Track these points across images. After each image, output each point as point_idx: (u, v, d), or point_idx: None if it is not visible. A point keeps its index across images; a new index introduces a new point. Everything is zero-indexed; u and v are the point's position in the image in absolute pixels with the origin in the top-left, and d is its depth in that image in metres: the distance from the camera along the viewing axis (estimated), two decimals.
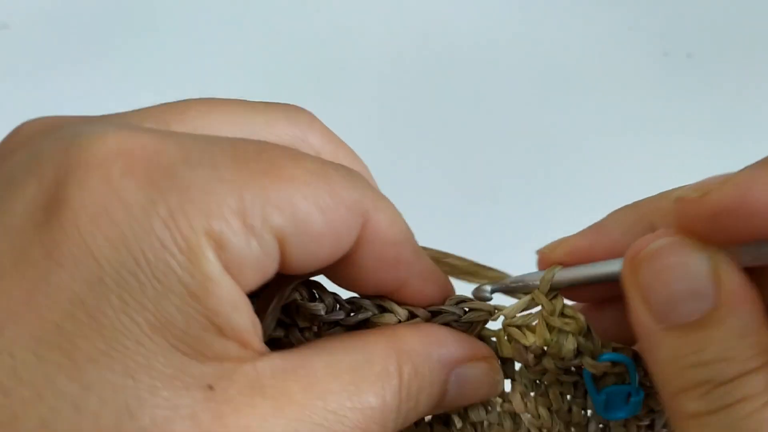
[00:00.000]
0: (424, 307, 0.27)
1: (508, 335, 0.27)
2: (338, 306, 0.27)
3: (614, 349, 0.26)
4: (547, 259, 0.27)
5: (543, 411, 0.28)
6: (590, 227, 0.27)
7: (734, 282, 0.22)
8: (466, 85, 0.76)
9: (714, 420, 0.22)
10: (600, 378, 0.27)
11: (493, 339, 0.28)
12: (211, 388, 0.21)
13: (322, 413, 0.23)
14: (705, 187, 0.22)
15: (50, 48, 0.75)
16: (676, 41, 0.79)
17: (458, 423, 0.28)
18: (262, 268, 0.23)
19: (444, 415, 0.29)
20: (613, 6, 0.81)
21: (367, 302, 0.27)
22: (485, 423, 0.28)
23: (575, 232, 0.27)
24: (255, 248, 0.22)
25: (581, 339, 0.26)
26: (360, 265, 0.26)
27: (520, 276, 0.28)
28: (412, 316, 0.27)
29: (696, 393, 0.22)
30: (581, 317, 0.26)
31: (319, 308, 0.27)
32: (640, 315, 0.23)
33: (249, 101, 0.28)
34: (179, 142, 0.23)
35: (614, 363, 0.26)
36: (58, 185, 0.21)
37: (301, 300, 0.27)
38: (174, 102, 0.27)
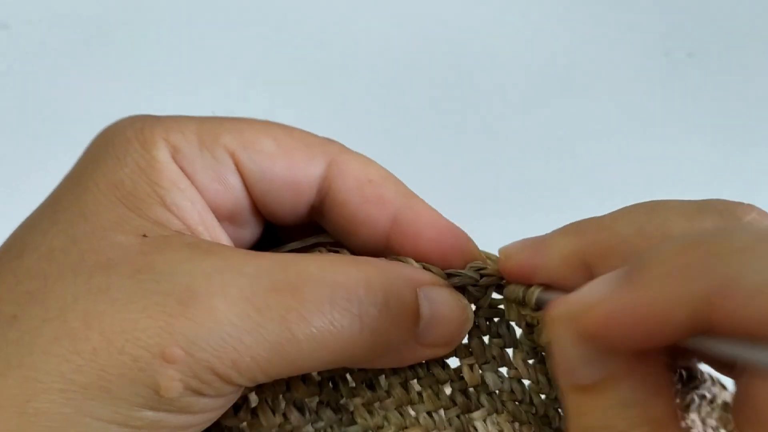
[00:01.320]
0: (443, 269, 0.28)
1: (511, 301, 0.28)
2: None
3: None
4: (501, 266, 0.28)
5: (542, 378, 0.28)
6: (536, 244, 0.27)
7: (622, 355, 0.23)
8: (466, 85, 0.75)
9: None
10: None
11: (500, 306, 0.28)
12: (145, 236, 0.25)
13: (252, 269, 0.24)
14: (583, 303, 0.22)
15: (50, 48, 0.75)
16: (677, 41, 0.79)
17: (476, 394, 0.29)
18: (217, 176, 0.27)
19: (464, 389, 0.29)
20: (614, 6, 0.81)
21: (374, 258, 0.28)
22: (498, 391, 0.29)
23: (527, 241, 0.27)
24: (207, 156, 0.27)
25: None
26: (341, 205, 0.28)
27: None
28: (427, 270, 0.28)
29: None
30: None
31: None
32: (554, 361, 0.24)
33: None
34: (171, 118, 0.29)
35: None
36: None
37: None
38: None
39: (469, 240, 0.29)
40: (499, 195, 0.67)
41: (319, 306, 0.24)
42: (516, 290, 0.27)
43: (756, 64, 0.77)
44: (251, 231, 0.29)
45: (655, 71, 0.77)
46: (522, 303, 0.27)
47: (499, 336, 0.29)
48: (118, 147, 0.27)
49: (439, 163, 0.69)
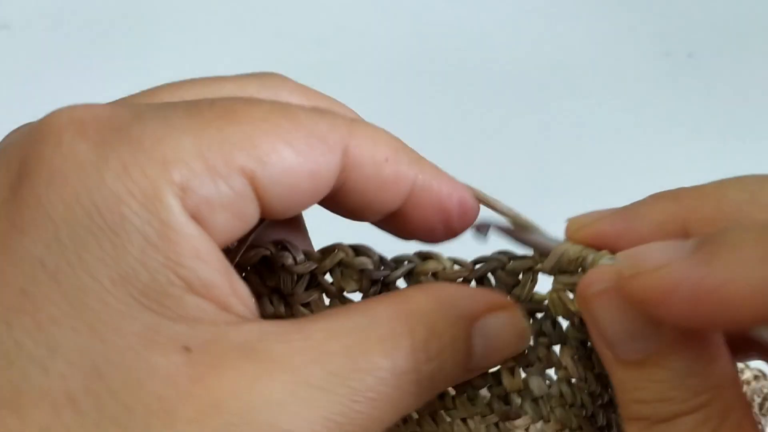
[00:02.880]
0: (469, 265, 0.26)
1: (558, 297, 0.25)
2: (383, 266, 0.26)
3: None
4: (571, 235, 0.26)
5: (589, 375, 0.26)
6: (622, 211, 0.25)
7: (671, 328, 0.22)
8: (466, 85, 0.75)
9: None
10: None
11: (544, 302, 0.26)
12: (187, 349, 0.20)
13: (321, 375, 0.21)
14: (639, 264, 0.21)
15: (50, 48, 0.75)
16: (678, 41, 0.79)
17: (518, 400, 0.26)
18: (238, 211, 0.22)
19: (504, 394, 0.27)
20: (615, 6, 0.81)
21: (409, 255, 0.26)
22: (545, 396, 0.26)
23: (606, 211, 0.26)
24: (224, 189, 0.21)
25: None
26: (360, 192, 0.25)
27: (544, 238, 0.26)
28: (456, 263, 0.26)
29: (639, 425, 0.22)
30: None
31: (367, 262, 0.26)
32: (596, 340, 0.23)
33: (223, 75, 0.27)
34: (133, 107, 0.23)
35: None
36: (21, 164, 0.21)
37: (347, 258, 0.26)
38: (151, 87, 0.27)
39: (473, 193, 0.28)
40: (499, 195, 0.67)
41: (383, 394, 0.22)
42: (582, 253, 0.24)
43: (756, 65, 0.77)
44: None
45: (655, 71, 0.76)
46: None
47: (544, 334, 0.26)
48: (106, 214, 0.20)
49: (438, 162, 0.69)
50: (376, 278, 0.26)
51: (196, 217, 0.21)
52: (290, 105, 0.24)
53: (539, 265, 0.26)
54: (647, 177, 0.69)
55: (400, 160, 0.26)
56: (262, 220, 0.24)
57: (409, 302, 0.24)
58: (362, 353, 0.22)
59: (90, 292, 0.20)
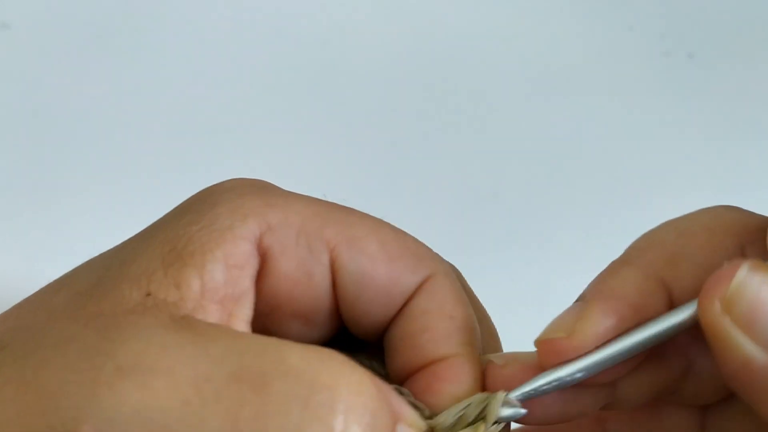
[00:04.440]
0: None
1: None
2: None
3: None
4: (556, 346, 0.24)
5: None
6: (594, 304, 0.24)
7: None
8: (465, 85, 0.75)
9: None
10: None
11: None
12: (148, 294, 0.23)
13: (224, 348, 0.21)
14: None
15: (50, 48, 0.75)
16: (677, 41, 0.78)
17: None
18: (306, 269, 0.24)
19: None
20: (614, 6, 0.81)
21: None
22: None
23: (570, 314, 0.25)
24: (302, 244, 0.24)
25: None
26: (413, 322, 0.25)
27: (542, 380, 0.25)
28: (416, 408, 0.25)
29: None
30: None
31: None
32: (747, 351, 0.22)
33: None
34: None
35: None
36: None
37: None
38: None
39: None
40: (499, 195, 0.67)
41: (285, 405, 0.20)
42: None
43: (756, 65, 0.77)
44: (321, 333, 0.27)
45: (655, 72, 0.76)
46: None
47: None
48: (206, 206, 0.24)
49: (439, 162, 0.69)
50: None
51: (265, 253, 0.24)
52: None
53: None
54: (646, 177, 0.68)
55: (461, 331, 0.26)
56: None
57: (365, 372, 0.23)
58: (274, 362, 0.21)
59: (145, 239, 0.24)
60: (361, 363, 0.23)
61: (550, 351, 0.24)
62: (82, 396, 0.20)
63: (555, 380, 0.24)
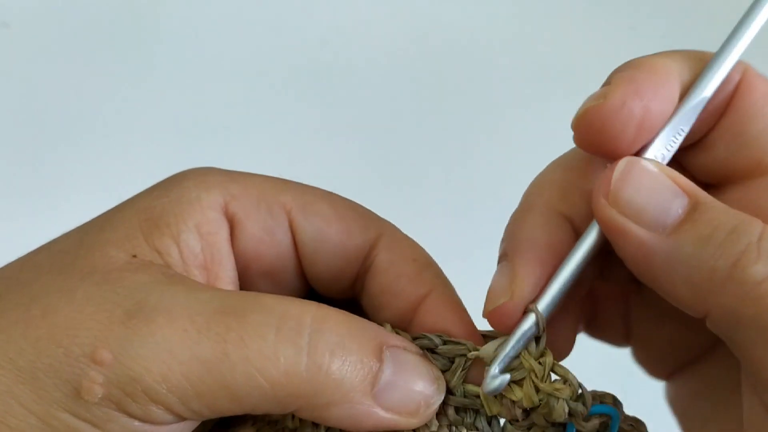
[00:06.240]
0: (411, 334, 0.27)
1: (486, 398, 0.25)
2: None
3: (596, 397, 0.26)
4: (504, 311, 0.26)
5: None
6: (517, 261, 0.26)
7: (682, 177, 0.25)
8: (465, 85, 0.75)
9: None
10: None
11: (478, 397, 0.26)
12: (134, 256, 0.26)
13: (210, 294, 0.25)
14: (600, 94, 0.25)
15: (50, 48, 0.75)
16: (678, 41, 0.78)
17: None
18: (268, 229, 0.27)
19: None
20: (615, 6, 0.81)
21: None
22: None
23: (503, 277, 0.26)
24: (262, 208, 0.27)
25: (572, 403, 0.25)
26: (383, 274, 0.28)
27: (499, 343, 0.26)
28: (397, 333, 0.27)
29: (750, 258, 0.23)
30: (574, 380, 0.25)
31: None
32: (639, 236, 0.24)
33: None
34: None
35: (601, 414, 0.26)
36: None
37: None
38: None
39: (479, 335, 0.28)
40: (499, 194, 0.67)
41: (261, 331, 0.24)
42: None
43: (757, 65, 0.77)
44: (291, 294, 0.29)
45: None
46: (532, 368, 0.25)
47: (476, 429, 0.26)
48: (174, 181, 0.27)
49: (439, 162, 0.69)
50: None
51: (231, 218, 0.27)
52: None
53: (472, 353, 0.26)
54: None
55: (425, 269, 0.28)
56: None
57: (335, 309, 0.25)
58: (251, 301, 0.25)
59: (122, 210, 0.27)
60: None
61: (502, 317, 0.26)
62: (97, 330, 0.23)
63: (522, 335, 0.25)
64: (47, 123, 0.71)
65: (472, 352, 0.26)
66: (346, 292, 0.29)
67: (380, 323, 0.26)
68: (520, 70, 0.76)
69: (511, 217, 0.28)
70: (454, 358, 0.26)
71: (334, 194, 0.29)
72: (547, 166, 0.29)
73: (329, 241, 0.28)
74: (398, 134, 0.72)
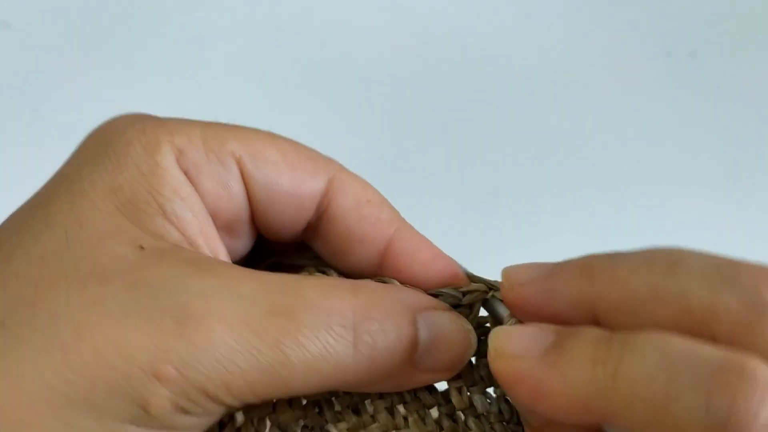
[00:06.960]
0: (424, 291, 0.27)
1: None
2: None
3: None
4: (506, 294, 0.26)
5: None
6: (543, 277, 0.26)
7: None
8: (466, 85, 0.75)
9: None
10: None
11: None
12: (141, 248, 0.24)
13: (252, 289, 0.24)
14: (504, 347, 0.24)
15: (50, 48, 0.75)
16: (680, 41, 0.78)
17: (462, 417, 0.28)
18: (223, 182, 0.27)
19: (451, 413, 0.28)
20: (616, 5, 0.81)
21: (369, 280, 0.27)
22: (486, 413, 0.28)
23: (538, 268, 0.26)
24: (213, 161, 0.27)
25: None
26: (341, 221, 0.28)
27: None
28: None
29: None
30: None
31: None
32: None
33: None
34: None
35: None
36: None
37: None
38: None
39: (459, 266, 0.29)
40: (500, 194, 0.67)
41: (315, 331, 0.24)
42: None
43: (758, 64, 0.77)
44: (245, 243, 0.29)
45: (657, 71, 0.76)
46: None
47: (485, 356, 0.27)
48: (118, 149, 0.26)
49: (439, 162, 0.69)
50: None
51: (187, 172, 0.26)
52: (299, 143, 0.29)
53: (491, 293, 0.27)
54: (648, 176, 0.68)
55: (383, 208, 0.29)
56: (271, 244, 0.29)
57: (365, 286, 0.26)
58: (297, 297, 0.25)
59: (85, 196, 0.25)
60: (326, 274, 0.29)
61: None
62: (152, 345, 0.23)
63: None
64: (47, 123, 0.71)
65: (490, 293, 0.27)
66: (296, 237, 0.29)
67: (361, 277, 0.28)
68: (522, 69, 0.76)
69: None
70: (473, 304, 0.28)
71: (280, 137, 0.28)
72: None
73: (281, 191, 0.28)
74: (400, 134, 0.72)
